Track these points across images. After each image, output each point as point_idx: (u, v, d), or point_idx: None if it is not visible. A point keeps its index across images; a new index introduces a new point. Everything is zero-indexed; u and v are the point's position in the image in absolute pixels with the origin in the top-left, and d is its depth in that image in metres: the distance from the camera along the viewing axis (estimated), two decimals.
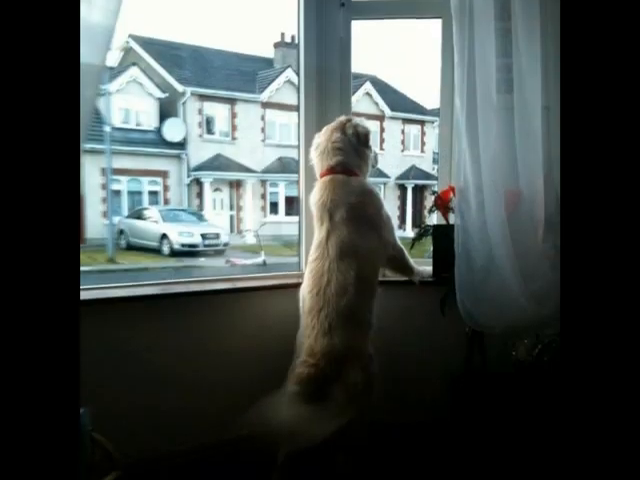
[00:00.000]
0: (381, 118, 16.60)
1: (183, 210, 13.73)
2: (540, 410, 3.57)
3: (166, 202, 13.64)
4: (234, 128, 15.08)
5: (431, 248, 4.02)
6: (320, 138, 3.83)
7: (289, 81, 14.89)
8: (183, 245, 12.06)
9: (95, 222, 11.91)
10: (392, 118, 17.06)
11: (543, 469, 3.42)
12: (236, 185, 15.02)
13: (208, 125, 14.77)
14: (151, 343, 3.84)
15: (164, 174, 13.66)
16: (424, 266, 4.01)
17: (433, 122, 16.66)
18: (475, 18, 3.41)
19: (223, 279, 4.43)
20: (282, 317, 3.94)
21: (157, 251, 11.94)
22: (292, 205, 14.33)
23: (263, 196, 15.22)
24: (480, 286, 3.46)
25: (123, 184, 13.06)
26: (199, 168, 14.18)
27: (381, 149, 16.36)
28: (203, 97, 14.57)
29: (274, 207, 15.18)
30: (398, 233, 3.95)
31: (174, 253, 11.82)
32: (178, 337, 3.93)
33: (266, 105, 15.39)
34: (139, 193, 13.39)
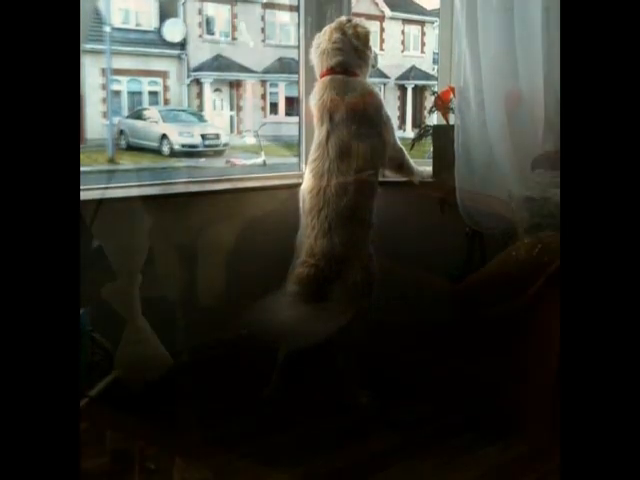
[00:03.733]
0: (381, 18, 16.33)
1: (183, 110, 13.60)
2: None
3: (166, 102, 13.50)
4: (234, 28, 14.89)
5: (431, 149, 4.02)
6: (320, 39, 3.80)
7: None
8: (183, 145, 11.95)
9: (95, 122, 11.83)
10: (392, 18, 16.79)
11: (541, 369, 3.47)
12: (236, 85, 14.89)
13: (208, 25, 14.58)
14: (150, 243, 3.86)
15: (164, 74, 13.50)
16: (424, 166, 4.02)
17: (433, 23, 16.39)
18: None
19: (223, 179, 4.43)
20: (282, 217, 3.96)
21: (157, 151, 11.84)
22: (292, 105, 14.21)
23: (263, 96, 15.06)
24: (480, 187, 3.47)
25: (123, 84, 12.93)
26: (199, 68, 14.01)
27: (381, 49, 16.15)
28: None
29: (274, 107, 15.05)
30: (398, 133, 3.96)
31: (174, 153, 11.71)
32: (178, 237, 3.94)
33: (266, 5, 15.15)
34: (139, 93, 13.26)
